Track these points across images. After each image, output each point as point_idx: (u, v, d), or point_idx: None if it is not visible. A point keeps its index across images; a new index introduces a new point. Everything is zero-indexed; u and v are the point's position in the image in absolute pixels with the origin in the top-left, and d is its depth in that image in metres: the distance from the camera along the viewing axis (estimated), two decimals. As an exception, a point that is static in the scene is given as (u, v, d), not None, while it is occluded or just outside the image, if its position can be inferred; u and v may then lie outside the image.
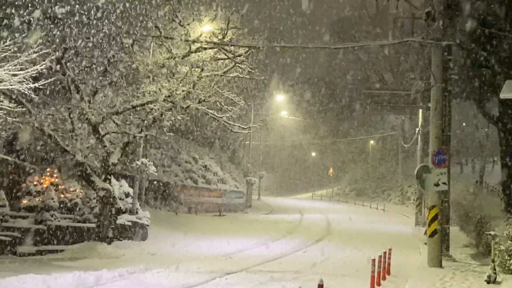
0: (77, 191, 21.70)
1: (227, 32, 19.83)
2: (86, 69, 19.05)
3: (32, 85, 12.53)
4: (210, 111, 21.54)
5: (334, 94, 65.99)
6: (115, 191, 20.80)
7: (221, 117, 21.98)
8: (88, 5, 15.62)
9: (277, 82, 57.02)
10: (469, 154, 48.74)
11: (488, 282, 12.55)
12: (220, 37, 19.81)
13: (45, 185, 20.64)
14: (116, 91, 19.98)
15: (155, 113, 20.39)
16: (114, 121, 20.25)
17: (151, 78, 19.60)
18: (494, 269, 12.66)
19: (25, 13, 13.90)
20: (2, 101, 12.85)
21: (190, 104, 20.26)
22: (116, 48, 18.71)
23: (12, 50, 12.24)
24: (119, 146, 20.38)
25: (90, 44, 17.30)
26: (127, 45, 18.75)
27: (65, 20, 15.79)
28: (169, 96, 19.57)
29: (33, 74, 12.50)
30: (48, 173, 21.25)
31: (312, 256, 19.31)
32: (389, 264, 14.75)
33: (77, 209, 21.02)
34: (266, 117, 56.93)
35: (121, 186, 23.47)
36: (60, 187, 21.33)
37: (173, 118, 21.18)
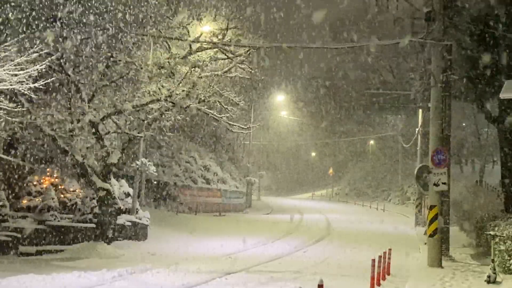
0: (77, 191, 21.70)
1: (227, 32, 19.84)
2: (86, 69, 19.04)
3: (32, 85, 12.53)
4: (210, 111, 21.55)
5: (334, 94, 65.99)
6: (115, 191, 20.79)
7: (221, 117, 21.98)
8: (88, 5, 15.64)
9: (277, 82, 57.03)
10: (469, 154, 48.72)
11: (488, 282, 12.54)
12: (220, 37, 19.81)
13: (45, 185, 20.64)
14: (116, 91, 19.98)
15: (155, 113, 20.39)
16: (114, 121, 20.25)
17: (151, 78, 19.60)
18: (494, 269, 12.65)
19: (25, 14, 13.92)
20: (2, 101, 12.84)
21: (190, 104, 20.26)
22: (116, 48, 18.73)
23: (12, 50, 12.24)
24: (119, 146, 20.37)
25: (90, 44, 17.32)
26: (127, 45, 18.76)
27: (65, 21, 15.81)
28: (169, 96, 19.57)
29: (33, 74, 12.50)
30: (48, 173, 21.25)
31: (312, 256, 19.30)
32: (389, 264, 14.75)
33: (77, 209, 21.02)
34: (266, 117, 56.96)
35: (121, 186, 23.48)
36: (60, 187, 21.33)
37: (173, 118, 21.19)
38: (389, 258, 14.73)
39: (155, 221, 25.32)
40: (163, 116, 20.63)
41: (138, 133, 20.40)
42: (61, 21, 16.24)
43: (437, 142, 16.32)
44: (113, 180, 21.06)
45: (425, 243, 17.86)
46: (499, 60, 18.91)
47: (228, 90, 22.10)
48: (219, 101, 21.43)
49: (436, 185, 15.99)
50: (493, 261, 12.80)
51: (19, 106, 14.27)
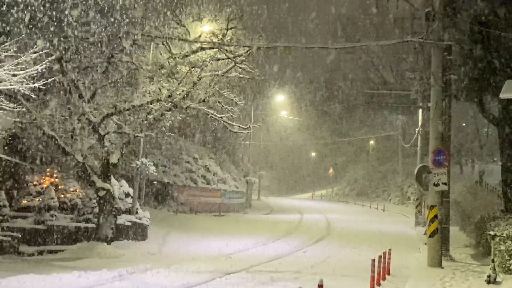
0: (77, 191, 21.71)
1: (227, 32, 19.83)
2: (86, 69, 19.05)
3: (32, 85, 12.53)
4: (210, 111, 21.52)
5: (334, 94, 65.97)
6: (115, 191, 20.79)
7: (221, 117, 21.97)
8: (88, 5, 15.63)
9: (278, 82, 57.00)
10: (469, 154, 48.71)
11: (488, 282, 12.54)
12: (220, 37, 19.80)
13: (45, 185, 20.65)
14: (116, 91, 19.98)
15: (155, 113, 20.39)
16: (114, 121, 20.25)
17: (151, 78, 19.60)
18: (494, 269, 12.66)
19: (25, 14, 13.92)
20: (2, 101, 12.84)
21: (190, 104, 20.26)
22: (116, 48, 18.74)
23: (12, 50, 12.24)
24: (119, 146, 20.37)
25: (90, 44, 17.32)
26: (127, 45, 18.77)
27: (65, 21, 15.80)
28: (169, 96, 19.57)
29: (33, 74, 12.51)
30: (48, 173, 21.26)
31: (312, 256, 19.31)
32: (389, 264, 14.75)
33: (77, 209, 21.02)
34: (266, 117, 56.94)
35: (121, 186, 23.48)
36: (60, 187, 21.33)
37: (173, 118, 21.18)
38: (389, 258, 14.74)
39: (155, 221, 25.31)
40: (163, 116, 20.63)
41: (138, 133, 20.40)
42: (61, 21, 16.23)
43: (437, 142, 16.32)
44: (113, 180, 21.06)
45: (425, 243, 17.87)
46: (499, 60, 18.91)
47: (228, 90, 22.08)
48: (219, 101, 21.42)
49: (436, 185, 16.00)
50: (493, 261, 12.80)
51: (19, 106, 14.27)
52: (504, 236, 13.21)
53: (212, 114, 21.69)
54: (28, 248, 18.55)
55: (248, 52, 20.77)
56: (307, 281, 13.33)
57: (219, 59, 21.01)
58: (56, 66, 17.80)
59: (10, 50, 12.16)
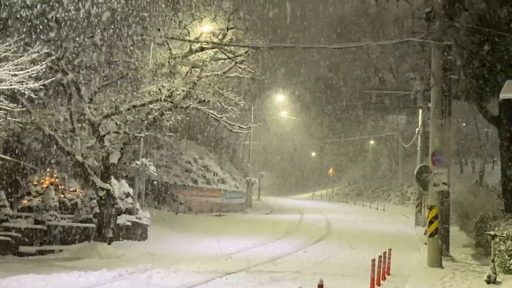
0: (77, 191, 21.72)
1: (227, 32, 19.83)
2: (86, 69, 19.05)
3: (32, 85, 12.53)
4: (210, 111, 21.53)
5: (335, 94, 65.97)
6: (115, 191, 20.79)
7: (221, 117, 21.97)
8: (88, 6, 15.65)
9: (277, 82, 57.01)
10: (469, 154, 48.70)
11: (488, 282, 12.54)
12: (220, 37, 19.80)
13: (45, 185, 20.66)
14: (116, 91, 19.98)
15: (155, 113, 20.39)
16: (114, 121, 20.25)
17: (151, 78, 19.59)
18: (494, 269, 12.65)
19: (26, 14, 13.93)
20: (2, 101, 12.84)
21: (190, 104, 20.27)
22: (116, 48, 18.73)
23: (12, 50, 12.25)
24: (119, 146, 20.37)
25: (90, 45, 17.33)
26: (127, 45, 18.76)
27: (66, 21, 15.82)
28: (169, 96, 19.57)
29: (33, 74, 12.50)
30: (48, 173, 21.27)
31: (312, 256, 19.31)
32: (389, 264, 14.75)
33: (77, 209, 21.02)
34: (266, 117, 56.97)
35: (121, 186, 23.49)
36: (60, 187, 21.35)
37: (173, 118, 21.18)
38: (389, 258, 14.74)
39: (155, 221, 25.32)
40: (163, 116, 20.63)
41: (138, 133, 20.39)
42: (62, 21, 16.25)
43: (437, 142, 16.32)
44: (113, 180, 21.06)
45: (425, 243, 17.86)
46: (499, 60, 18.91)
47: (228, 90, 22.07)
48: (219, 101, 21.43)
49: (436, 185, 15.99)
50: (493, 261, 12.80)
51: (19, 106, 14.27)
52: (504, 236, 13.21)
53: (212, 114, 21.69)
54: (28, 248, 18.55)
55: (248, 52, 20.77)
56: (307, 281, 13.32)
57: (219, 59, 21.00)
58: (56, 66, 17.80)
59: (10, 50, 12.16)
